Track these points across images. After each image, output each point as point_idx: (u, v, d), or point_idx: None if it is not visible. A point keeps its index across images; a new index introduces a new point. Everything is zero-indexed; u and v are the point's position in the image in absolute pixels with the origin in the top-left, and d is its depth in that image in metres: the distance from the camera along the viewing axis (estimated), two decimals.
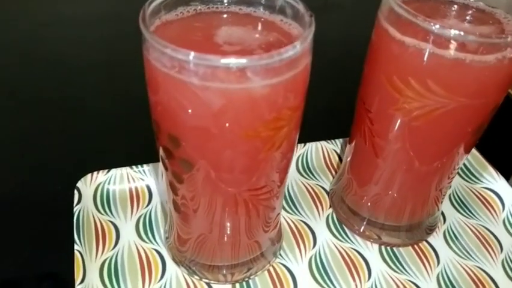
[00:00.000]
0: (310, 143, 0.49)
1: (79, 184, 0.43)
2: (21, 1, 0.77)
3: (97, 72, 0.62)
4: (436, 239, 0.43)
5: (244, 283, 0.38)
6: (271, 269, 0.39)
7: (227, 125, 0.27)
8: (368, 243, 0.42)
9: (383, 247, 0.42)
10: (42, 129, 0.53)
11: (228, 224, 0.35)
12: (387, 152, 0.37)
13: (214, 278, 0.38)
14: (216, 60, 0.24)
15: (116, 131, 0.53)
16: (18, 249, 0.40)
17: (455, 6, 0.35)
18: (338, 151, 0.50)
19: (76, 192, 0.42)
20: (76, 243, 0.38)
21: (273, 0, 0.31)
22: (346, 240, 0.42)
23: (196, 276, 0.38)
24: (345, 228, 0.43)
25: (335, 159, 0.50)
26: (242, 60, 0.25)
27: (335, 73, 0.64)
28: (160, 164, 0.34)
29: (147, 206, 0.43)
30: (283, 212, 0.44)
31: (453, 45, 0.30)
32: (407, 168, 0.38)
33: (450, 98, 0.32)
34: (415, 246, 0.42)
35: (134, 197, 0.44)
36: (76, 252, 0.37)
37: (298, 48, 0.26)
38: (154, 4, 0.29)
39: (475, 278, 0.40)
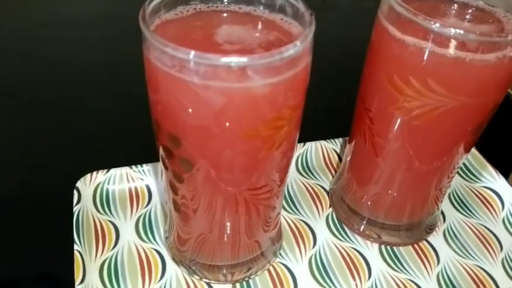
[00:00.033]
0: (310, 143, 0.49)
1: (79, 184, 0.43)
2: (21, 1, 0.76)
3: (97, 72, 0.62)
4: (436, 238, 0.43)
5: (244, 283, 0.38)
6: (271, 268, 0.39)
7: (227, 124, 0.27)
8: (368, 242, 0.42)
9: (383, 246, 0.42)
10: (42, 129, 0.53)
11: (228, 224, 0.35)
12: (387, 151, 0.37)
13: (214, 277, 0.38)
14: (216, 59, 0.24)
15: (116, 131, 0.53)
16: (18, 249, 0.40)
17: (455, 5, 0.35)
18: (338, 150, 0.50)
19: (75, 192, 0.42)
20: (76, 244, 0.38)
21: None
22: (346, 240, 0.42)
23: (196, 276, 0.38)
24: (345, 228, 0.43)
25: (334, 158, 0.50)
26: (243, 59, 0.25)
27: (334, 73, 0.64)
28: (160, 163, 0.34)
29: (147, 205, 0.43)
30: (283, 212, 0.44)
31: (453, 44, 0.30)
32: (407, 167, 0.38)
33: (450, 97, 0.32)
34: (415, 245, 0.42)
35: (133, 196, 0.44)
36: (75, 252, 0.37)
37: (299, 46, 0.26)
38: (154, 3, 0.29)
39: (474, 277, 0.40)
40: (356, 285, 0.39)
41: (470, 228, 0.44)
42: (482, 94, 0.32)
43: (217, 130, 0.28)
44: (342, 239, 0.42)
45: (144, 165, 0.45)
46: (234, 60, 0.25)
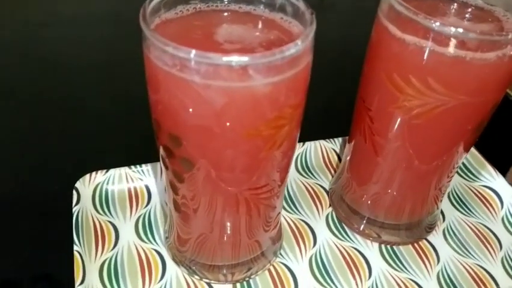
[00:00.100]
0: (309, 142, 0.49)
1: (78, 184, 0.42)
2: (21, 1, 0.76)
3: (97, 72, 0.62)
4: (436, 237, 0.43)
5: (244, 283, 0.38)
6: (271, 268, 0.39)
7: (228, 123, 0.27)
8: (368, 242, 0.42)
9: (383, 246, 0.42)
10: (42, 129, 0.53)
11: (229, 224, 0.35)
12: (387, 151, 0.37)
13: (215, 277, 0.38)
14: (218, 58, 0.24)
15: (116, 131, 0.53)
16: (17, 250, 0.40)
17: (454, 4, 0.35)
18: (337, 150, 0.50)
19: (74, 192, 0.42)
20: (75, 244, 0.38)
21: None
22: (346, 239, 0.42)
23: (196, 276, 0.38)
24: (345, 227, 0.43)
25: (334, 158, 0.50)
26: (244, 58, 0.25)
27: (332, 72, 0.64)
28: (161, 163, 0.33)
29: (146, 206, 0.43)
30: (283, 211, 0.43)
31: (453, 42, 0.30)
32: (407, 166, 0.38)
33: (450, 96, 0.32)
34: (415, 244, 0.42)
35: (133, 197, 0.44)
36: (75, 253, 0.37)
37: (300, 45, 0.26)
38: (154, 2, 0.29)
39: (474, 275, 0.40)
40: (357, 284, 0.38)
41: (469, 227, 0.44)
42: (482, 93, 0.32)
43: (218, 129, 0.27)
44: (342, 239, 0.42)
45: (143, 165, 0.45)
46: (236, 59, 0.24)
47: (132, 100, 0.56)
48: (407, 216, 0.42)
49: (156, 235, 0.41)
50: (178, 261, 0.39)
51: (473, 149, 0.50)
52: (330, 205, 0.45)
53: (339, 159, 0.49)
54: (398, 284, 0.39)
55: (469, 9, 0.35)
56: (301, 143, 0.49)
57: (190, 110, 0.27)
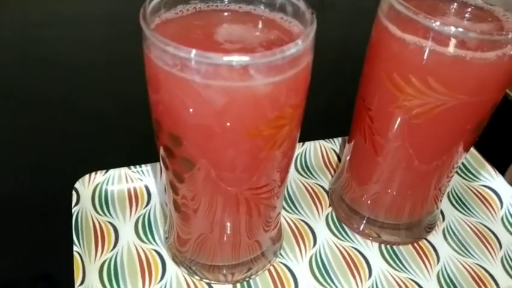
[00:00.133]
0: (309, 142, 0.49)
1: (77, 185, 0.42)
2: (21, 1, 0.76)
3: (97, 72, 0.62)
4: (436, 237, 0.43)
5: (244, 283, 0.38)
6: (271, 268, 0.39)
7: (229, 123, 0.27)
8: (368, 241, 0.42)
9: (383, 245, 0.42)
10: (42, 129, 0.53)
11: (229, 224, 0.35)
12: (387, 150, 0.37)
13: (215, 278, 0.38)
14: (218, 58, 0.24)
15: (115, 131, 0.53)
16: (17, 250, 0.40)
17: (454, 3, 0.35)
18: (337, 150, 0.50)
19: (74, 193, 0.42)
20: (75, 245, 0.37)
21: None
22: (346, 239, 0.42)
23: (196, 277, 0.38)
24: (345, 227, 0.43)
25: (333, 158, 0.50)
26: (245, 58, 0.24)
27: (331, 72, 0.64)
28: (161, 163, 0.33)
29: (146, 206, 0.43)
30: (282, 211, 0.43)
31: (454, 42, 0.30)
32: (407, 166, 0.38)
33: (450, 96, 0.32)
34: (415, 244, 0.42)
35: (132, 197, 0.44)
36: (75, 253, 0.37)
37: (301, 45, 0.26)
38: (154, 2, 0.29)
39: (474, 275, 0.40)
40: (357, 284, 0.38)
41: (469, 226, 0.44)
42: (482, 92, 0.32)
43: (219, 129, 0.27)
44: (342, 239, 0.42)
45: (143, 165, 0.45)
46: (236, 59, 0.24)
47: (132, 100, 0.56)
48: (407, 216, 0.42)
49: (156, 235, 0.41)
50: (178, 262, 0.38)
51: (472, 149, 0.50)
52: (330, 205, 0.45)
53: (339, 159, 0.49)
54: (398, 284, 0.39)
55: (469, 9, 0.35)
56: (301, 143, 0.49)
57: (191, 109, 0.27)
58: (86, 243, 0.39)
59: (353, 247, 0.41)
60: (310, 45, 0.27)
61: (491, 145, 0.53)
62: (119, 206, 0.43)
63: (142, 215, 0.42)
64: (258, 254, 0.38)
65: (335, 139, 0.51)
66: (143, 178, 0.45)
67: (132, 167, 0.44)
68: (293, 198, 0.45)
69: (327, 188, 0.47)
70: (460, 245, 0.42)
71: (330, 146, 0.50)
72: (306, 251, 0.41)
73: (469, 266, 0.41)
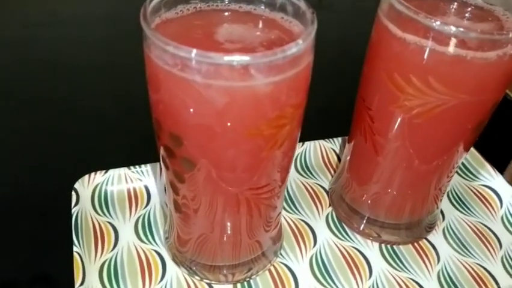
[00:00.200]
0: (309, 142, 0.49)
1: (77, 185, 0.42)
2: (21, 1, 0.76)
3: (97, 72, 0.62)
4: (436, 237, 0.43)
5: (245, 283, 0.38)
6: (272, 268, 0.39)
7: (230, 123, 0.27)
8: (368, 241, 0.42)
9: (383, 245, 0.42)
10: (42, 129, 0.53)
11: (229, 224, 0.35)
12: (388, 150, 0.37)
13: (215, 278, 0.38)
14: (219, 57, 0.24)
15: (115, 131, 0.53)
16: (17, 250, 0.40)
17: (454, 3, 0.35)
18: (337, 150, 0.50)
19: (73, 193, 0.42)
20: (75, 245, 0.37)
21: None
22: (346, 239, 0.42)
23: (196, 277, 0.38)
24: (345, 227, 0.43)
25: (333, 158, 0.50)
26: (246, 58, 0.24)
27: (330, 72, 0.64)
28: (161, 163, 0.33)
29: (146, 206, 0.43)
30: (282, 211, 0.43)
31: (454, 42, 0.30)
32: (407, 166, 0.38)
33: (451, 95, 0.32)
34: (415, 244, 0.42)
35: (132, 197, 0.44)
36: (75, 254, 0.37)
37: (302, 45, 0.26)
38: (154, 2, 0.29)
39: (475, 275, 0.40)
40: (357, 284, 0.38)
41: (469, 226, 0.44)
42: (482, 92, 0.32)
43: (219, 129, 0.27)
44: (343, 238, 0.42)
45: (142, 165, 0.45)
46: (237, 58, 0.24)
47: (132, 100, 0.56)
48: (407, 216, 0.42)
49: (156, 236, 0.41)
50: (178, 262, 0.38)
51: (472, 149, 0.50)
52: (330, 205, 0.45)
53: (339, 159, 0.49)
54: (398, 284, 0.39)
55: (469, 9, 0.35)
56: (301, 143, 0.49)
57: (191, 109, 0.27)
58: (86, 244, 0.39)
59: (353, 247, 0.41)
60: (311, 45, 0.27)
61: (491, 145, 0.53)
62: (119, 207, 0.43)
63: (142, 215, 0.42)
64: (258, 254, 0.38)
65: (335, 139, 0.51)
66: (143, 178, 0.45)
67: (132, 167, 0.44)
68: (293, 198, 0.45)
69: (327, 187, 0.47)
70: (460, 245, 0.42)
71: (330, 145, 0.50)
72: (306, 250, 0.41)
73: (469, 265, 0.41)
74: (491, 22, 0.34)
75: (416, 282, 0.39)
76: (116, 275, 0.37)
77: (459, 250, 0.42)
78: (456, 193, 0.47)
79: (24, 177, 0.47)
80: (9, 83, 0.59)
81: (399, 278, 0.39)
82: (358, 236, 0.42)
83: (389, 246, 0.42)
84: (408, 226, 0.42)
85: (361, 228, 0.42)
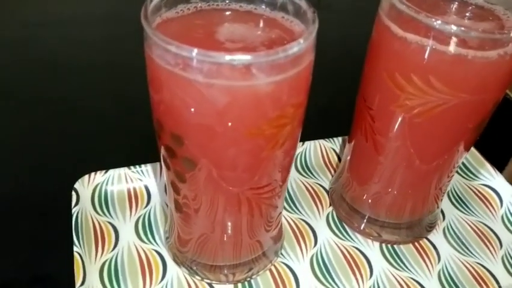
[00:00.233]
0: (309, 142, 0.49)
1: (77, 185, 0.42)
2: (21, 1, 0.76)
3: (97, 72, 0.62)
4: (436, 236, 0.43)
5: (246, 283, 0.38)
6: (272, 268, 0.39)
7: (231, 122, 0.27)
8: (369, 241, 0.42)
9: (383, 245, 0.42)
10: (42, 129, 0.53)
11: (230, 224, 0.35)
12: (389, 150, 0.37)
13: (216, 278, 0.38)
14: (221, 57, 0.24)
15: (115, 131, 0.53)
16: (17, 250, 0.40)
17: (455, 2, 0.35)
18: (337, 149, 0.50)
19: (73, 193, 0.41)
20: (75, 245, 0.37)
21: None
22: (347, 239, 0.42)
23: (197, 277, 0.38)
24: (346, 227, 0.43)
25: (333, 157, 0.50)
26: (248, 57, 0.24)
27: (329, 72, 0.64)
28: (162, 163, 0.33)
29: (146, 206, 0.43)
30: (283, 211, 0.43)
31: (455, 41, 0.30)
32: (408, 165, 0.38)
33: (452, 94, 0.32)
34: (416, 243, 0.42)
35: (132, 197, 0.44)
36: (75, 254, 0.37)
37: (303, 44, 0.26)
38: (155, 1, 0.29)
39: (475, 274, 0.40)
40: (358, 283, 0.38)
41: (469, 225, 0.44)
42: (483, 91, 0.32)
43: (221, 129, 0.27)
44: (343, 238, 0.42)
45: (142, 165, 0.45)
46: (239, 58, 0.24)
47: (132, 100, 0.56)
48: (408, 215, 0.42)
49: (156, 236, 0.41)
50: (178, 262, 0.38)
51: (472, 148, 0.50)
52: (330, 204, 0.45)
53: (339, 158, 0.49)
54: (399, 283, 0.39)
55: (469, 8, 0.35)
56: (301, 143, 0.49)
57: (193, 109, 0.27)
58: (87, 244, 0.39)
59: (353, 246, 0.41)
60: (312, 44, 0.27)
61: (490, 144, 0.53)
62: (119, 207, 0.43)
63: (142, 215, 0.42)
64: (259, 253, 0.38)
65: (335, 138, 0.51)
66: (143, 178, 0.45)
67: (132, 167, 0.44)
68: (293, 197, 0.45)
69: (327, 187, 0.47)
70: (460, 244, 0.42)
71: (330, 145, 0.50)
72: (307, 250, 0.41)
73: (469, 264, 0.41)
74: (491, 21, 0.34)
75: (417, 282, 0.39)
76: (117, 275, 0.37)
77: (459, 249, 0.42)
78: (456, 192, 0.47)
79: (24, 177, 0.47)
80: (9, 83, 0.59)
81: (400, 277, 0.39)
82: (359, 236, 0.42)
83: (389, 245, 0.42)
84: (409, 225, 0.42)
85: (362, 228, 0.42)
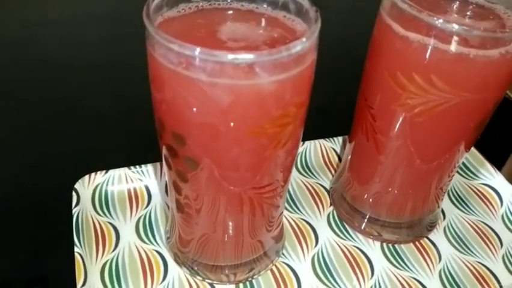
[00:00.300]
0: (309, 142, 0.49)
1: (77, 185, 0.42)
2: (21, 1, 0.76)
3: (97, 72, 0.61)
4: (437, 236, 0.43)
5: (247, 283, 0.38)
6: (274, 268, 0.39)
7: (234, 122, 0.27)
8: (370, 240, 0.42)
9: (384, 244, 0.42)
10: (42, 129, 0.53)
11: (232, 224, 0.35)
12: (390, 149, 0.37)
13: (217, 278, 0.38)
14: (224, 56, 0.24)
15: (116, 131, 0.53)
16: (17, 250, 0.40)
17: (456, 2, 0.35)
18: (337, 149, 0.50)
19: (73, 193, 0.41)
20: (76, 246, 0.37)
21: None
22: (348, 238, 0.42)
23: (198, 277, 0.38)
24: (347, 226, 0.43)
25: (333, 157, 0.50)
26: (251, 56, 0.24)
27: (328, 72, 0.64)
28: (164, 163, 0.33)
29: (146, 206, 0.43)
30: (284, 211, 0.43)
31: (457, 40, 0.30)
32: (409, 165, 0.38)
33: (453, 93, 0.32)
34: (416, 243, 0.42)
35: (133, 197, 0.43)
36: (76, 254, 0.36)
37: (306, 43, 0.26)
38: (156, 0, 0.29)
39: (476, 273, 0.40)
40: (359, 283, 0.38)
41: (470, 225, 0.44)
42: (485, 90, 0.32)
43: (223, 128, 0.27)
44: (344, 238, 0.42)
45: (143, 165, 0.44)
46: (243, 56, 0.24)
47: (132, 100, 0.55)
48: (408, 215, 0.42)
49: (157, 236, 0.40)
50: (180, 262, 0.38)
51: (472, 148, 0.50)
52: (331, 204, 0.45)
53: (339, 158, 0.49)
54: (400, 283, 0.39)
55: (470, 7, 0.35)
56: (301, 143, 0.49)
57: (195, 108, 0.27)
58: (87, 245, 0.39)
59: (354, 246, 0.41)
60: (315, 43, 0.27)
61: (490, 144, 0.53)
62: (119, 207, 0.43)
63: (143, 216, 0.42)
64: (260, 253, 0.38)
65: (335, 138, 0.51)
66: (143, 178, 0.44)
67: (132, 167, 0.44)
68: (294, 197, 0.45)
69: (327, 187, 0.47)
70: (461, 243, 0.42)
71: (330, 145, 0.50)
72: (308, 250, 0.41)
73: (470, 264, 0.41)
74: (492, 20, 0.34)
75: (418, 281, 0.39)
76: (118, 275, 0.37)
77: (460, 249, 0.42)
78: (456, 192, 0.48)
79: (24, 177, 0.47)
80: (9, 83, 0.59)
81: (401, 276, 0.39)
82: (359, 235, 0.42)
83: (390, 245, 0.42)
84: (410, 225, 0.42)
85: (362, 227, 0.42)
